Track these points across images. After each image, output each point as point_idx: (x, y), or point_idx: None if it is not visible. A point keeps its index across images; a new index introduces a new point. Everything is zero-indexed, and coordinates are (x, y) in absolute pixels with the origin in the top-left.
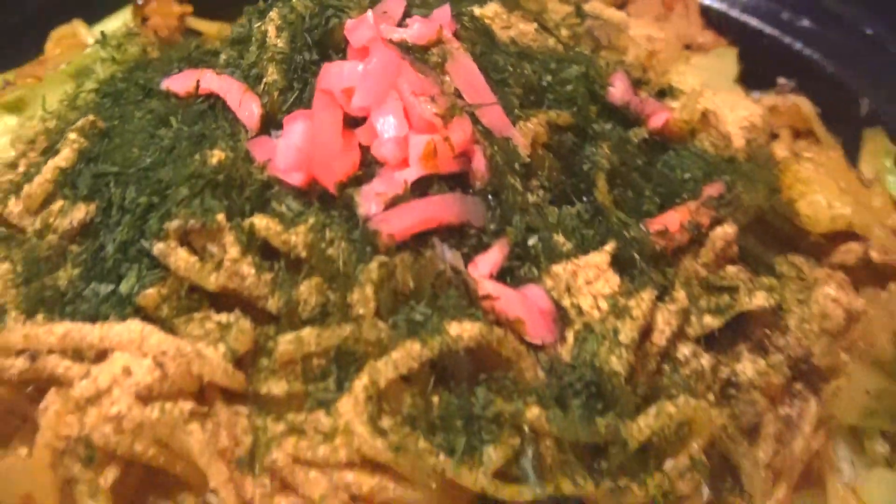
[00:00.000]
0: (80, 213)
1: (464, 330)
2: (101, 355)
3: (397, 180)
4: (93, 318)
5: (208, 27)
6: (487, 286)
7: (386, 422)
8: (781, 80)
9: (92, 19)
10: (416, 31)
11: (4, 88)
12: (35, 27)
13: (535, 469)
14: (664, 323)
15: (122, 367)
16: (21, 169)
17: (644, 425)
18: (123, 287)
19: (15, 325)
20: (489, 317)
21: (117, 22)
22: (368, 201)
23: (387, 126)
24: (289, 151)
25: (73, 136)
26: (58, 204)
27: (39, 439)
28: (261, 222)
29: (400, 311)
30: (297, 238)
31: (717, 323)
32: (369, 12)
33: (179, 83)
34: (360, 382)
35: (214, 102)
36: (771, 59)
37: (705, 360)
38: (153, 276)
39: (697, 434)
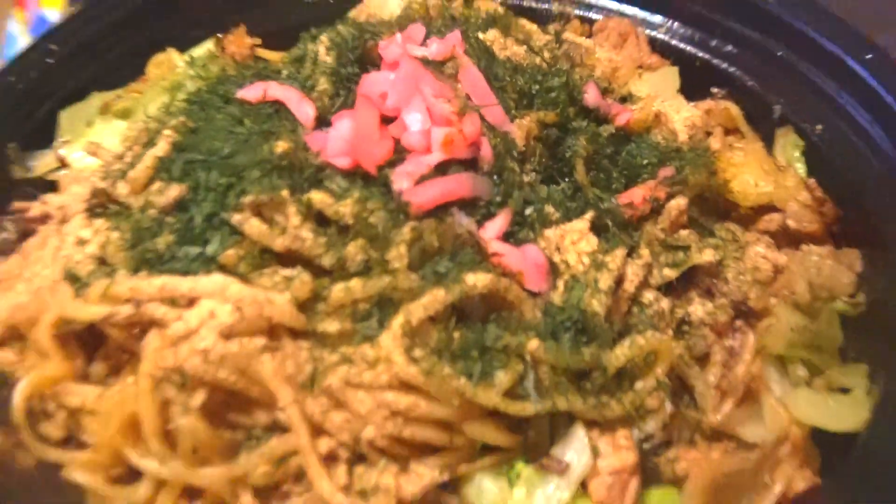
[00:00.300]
0: (175, 191)
1: (478, 280)
2: (191, 302)
3: (423, 163)
4: (185, 274)
5: (272, 55)
6: (495, 245)
7: (417, 352)
8: (714, 90)
9: (183, 48)
10: (435, 49)
11: (116, 100)
12: (140, 55)
13: (535, 389)
14: (633, 274)
15: (209, 311)
16: (127, 159)
17: (620, 354)
18: (209, 249)
19: (123, 279)
20: (497, 270)
21: (202, 50)
22: (401, 179)
23: (413, 121)
24: (337, 142)
25: (167, 132)
26: (156, 185)
27: (142, 369)
28: (316, 197)
29: (427, 265)
30: (345, 209)
31: (674, 274)
32: (398, 34)
33: (251, 93)
34: (397, 321)
35: (279, 107)
36: (704, 76)
37: (665, 304)
38: (232, 240)
39: (661, 361)
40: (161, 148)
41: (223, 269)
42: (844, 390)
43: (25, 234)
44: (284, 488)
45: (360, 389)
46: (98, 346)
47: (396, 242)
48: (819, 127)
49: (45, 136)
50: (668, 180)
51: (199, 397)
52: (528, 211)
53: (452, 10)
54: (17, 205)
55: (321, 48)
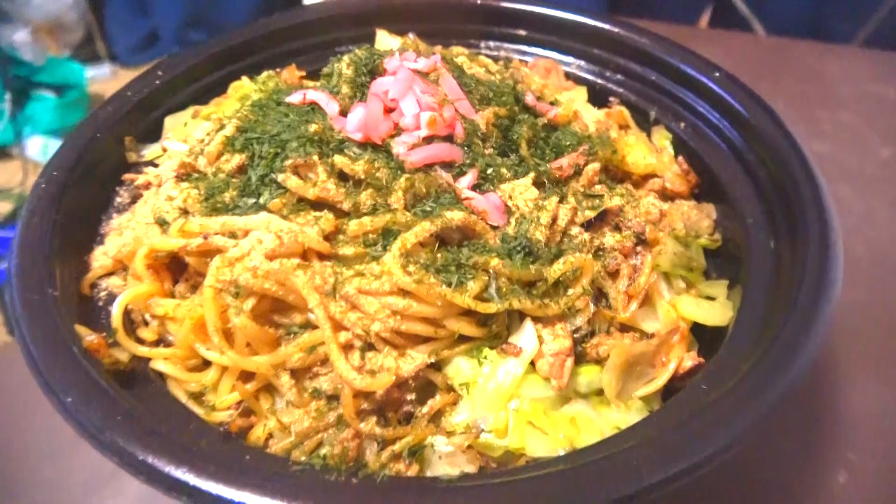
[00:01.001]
0: (237, 160)
1: (454, 215)
2: (246, 234)
3: (414, 136)
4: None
5: (310, 84)
6: (467, 193)
7: (411, 268)
8: (612, 100)
9: (253, 77)
10: (422, 64)
11: (203, 109)
12: (223, 82)
13: (497, 294)
14: (563, 214)
15: (257, 239)
16: (205, 142)
17: (556, 269)
18: (262, 199)
19: (195, 219)
20: (468, 210)
21: (263, 76)
22: (399, 146)
23: (408, 108)
24: (354, 122)
25: (234, 120)
26: (224, 157)
27: (206, 283)
28: (338, 159)
29: (418, 206)
30: (359, 167)
31: (593, 214)
32: (396, 54)
33: (295, 97)
34: (396, 245)
35: (314, 106)
36: (602, 95)
37: (586, 235)
38: (278, 192)
39: (585, 274)
40: (229, 130)
41: (271, 213)
42: (710, 299)
43: (135, 197)
44: (314, 370)
45: (370, 295)
46: (182, 273)
47: (395, 189)
48: (682, 124)
49: (155, 135)
50: (586, 152)
51: (249, 303)
52: (490, 171)
53: (433, 50)
54: (127, 176)
55: (343, 65)
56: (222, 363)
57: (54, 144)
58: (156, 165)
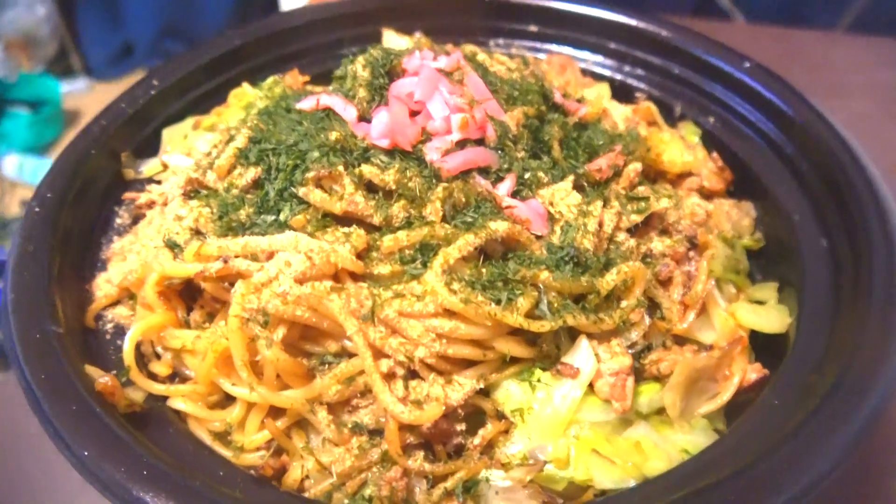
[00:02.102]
0: (252, 173)
1: (499, 226)
2: (269, 256)
3: (447, 140)
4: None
5: (317, 89)
6: (508, 200)
7: (455, 286)
8: (638, 95)
9: (254, 84)
10: (446, 62)
11: (204, 118)
12: (222, 89)
13: (549, 310)
14: (608, 219)
15: (285, 261)
16: (213, 156)
17: (609, 279)
18: (281, 216)
19: (212, 241)
20: (510, 219)
21: (268, 83)
22: (432, 152)
23: (437, 110)
24: (379, 128)
25: (244, 130)
26: (237, 171)
27: (231, 312)
28: (366, 169)
29: (457, 217)
30: (389, 177)
31: (639, 218)
32: (417, 53)
33: (307, 103)
34: (437, 261)
35: (328, 112)
36: (620, 90)
37: (632, 241)
38: (299, 208)
39: (638, 284)
40: (240, 141)
41: (294, 231)
42: (759, 303)
43: (136, 218)
44: (353, 402)
45: (412, 318)
46: (195, 299)
47: (432, 200)
48: (711, 118)
49: (152, 149)
50: (624, 150)
51: (279, 332)
52: (527, 175)
53: (446, 49)
54: (128, 195)
55: (358, 66)
56: (250, 400)
57: (30, 162)
58: (157, 182)
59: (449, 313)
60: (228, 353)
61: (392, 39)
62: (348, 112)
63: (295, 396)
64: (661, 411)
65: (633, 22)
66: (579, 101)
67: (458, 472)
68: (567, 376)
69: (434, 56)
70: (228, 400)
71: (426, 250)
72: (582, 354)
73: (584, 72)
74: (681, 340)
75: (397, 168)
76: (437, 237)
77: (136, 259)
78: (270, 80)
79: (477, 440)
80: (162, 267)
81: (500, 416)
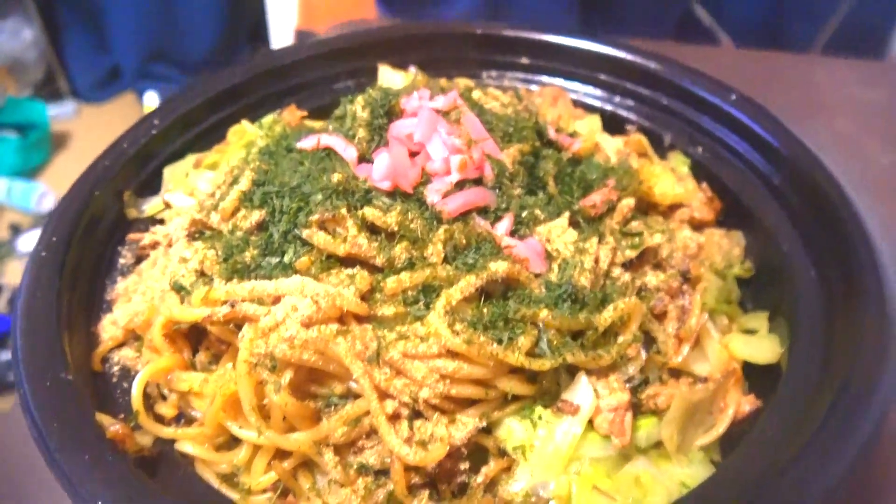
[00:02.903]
0: (257, 216)
1: (499, 266)
2: (276, 300)
3: (446, 182)
4: (268, 279)
5: (315, 123)
6: (507, 240)
7: (458, 326)
8: (628, 127)
9: (253, 121)
10: (443, 102)
11: (205, 157)
12: (221, 127)
13: (549, 348)
14: (604, 255)
15: (292, 306)
16: (217, 196)
17: (606, 316)
18: (286, 258)
19: (219, 285)
20: (510, 258)
21: (267, 120)
22: (432, 194)
23: (436, 152)
24: (380, 170)
25: (248, 172)
26: (241, 213)
27: (239, 357)
28: (368, 211)
29: (458, 258)
30: (391, 219)
31: (634, 254)
32: (415, 93)
33: (307, 143)
34: (440, 303)
35: (329, 152)
36: (611, 121)
37: (627, 276)
38: (303, 250)
39: (634, 319)
40: (244, 184)
41: (298, 272)
42: (750, 332)
43: (140, 258)
44: (359, 444)
45: (416, 359)
46: (200, 340)
47: (433, 241)
48: (700, 148)
49: (153, 187)
50: (616, 185)
51: (287, 376)
52: (524, 214)
53: (441, 84)
54: (132, 236)
55: (357, 107)
56: (258, 443)
57: (19, 186)
58: (161, 222)
59: (452, 354)
60: (236, 396)
61: (387, 74)
62: (349, 152)
63: (302, 439)
64: (658, 445)
65: (621, 54)
66: (572, 135)
67: None
68: (567, 413)
69: (431, 95)
70: (235, 441)
71: (428, 292)
72: (581, 391)
73: (576, 103)
74: (676, 373)
75: (399, 210)
76: (439, 278)
77: (140, 300)
78: (269, 118)
79: (480, 478)
80: (170, 311)
81: (503, 453)
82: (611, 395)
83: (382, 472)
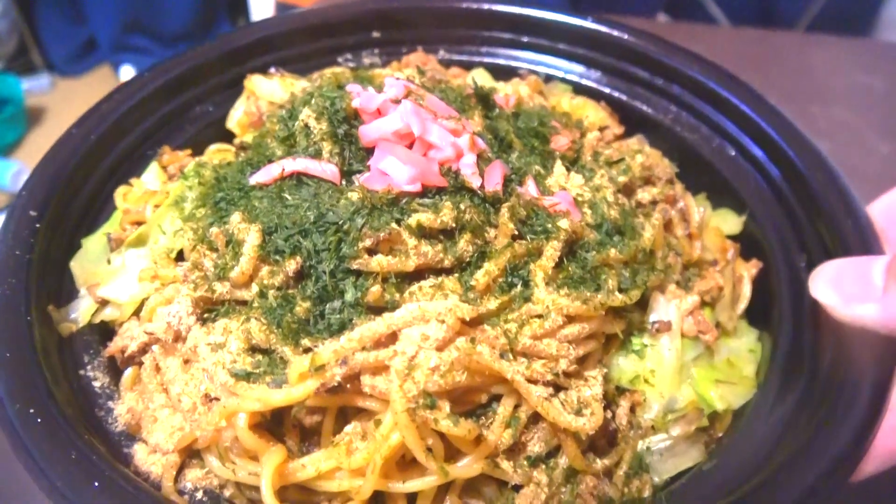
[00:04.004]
0: (293, 266)
1: (568, 224)
2: (391, 338)
3: (471, 162)
4: (342, 325)
5: (216, 153)
6: (549, 200)
7: (564, 290)
8: (521, 71)
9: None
10: (394, 93)
11: (122, 234)
12: (97, 202)
13: (629, 281)
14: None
15: (421, 335)
16: (208, 266)
17: (647, 237)
18: (348, 297)
19: (326, 348)
20: (565, 215)
21: (151, 173)
22: (471, 178)
23: (441, 139)
24: (404, 175)
25: (253, 226)
26: (266, 269)
27: (395, 407)
28: (422, 217)
29: (523, 229)
30: (446, 217)
31: (625, 179)
32: (370, 89)
33: (265, 175)
34: (538, 277)
35: (298, 178)
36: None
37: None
38: (361, 282)
39: (660, 233)
40: (255, 238)
41: (371, 307)
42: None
43: (116, 373)
44: (523, 438)
45: (545, 337)
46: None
47: (501, 223)
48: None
49: (66, 291)
50: (566, 125)
51: (446, 406)
52: (535, 170)
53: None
54: (111, 349)
55: (310, 121)
56: (442, 482)
57: None
58: (106, 327)
59: (570, 317)
60: (393, 454)
61: (262, 84)
62: (328, 170)
63: (477, 463)
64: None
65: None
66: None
67: (623, 455)
68: (664, 331)
69: (377, 90)
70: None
71: (516, 269)
72: (662, 308)
73: (573, 86)
74: (685, 267)
75: (449, 206)
76: (519, 255)
77: (172, 415)
78: (191, 165)
79: (624, 421)
80: (266, 399)
81: (621, 391)
82: (681, 302)
83: (544, 458)
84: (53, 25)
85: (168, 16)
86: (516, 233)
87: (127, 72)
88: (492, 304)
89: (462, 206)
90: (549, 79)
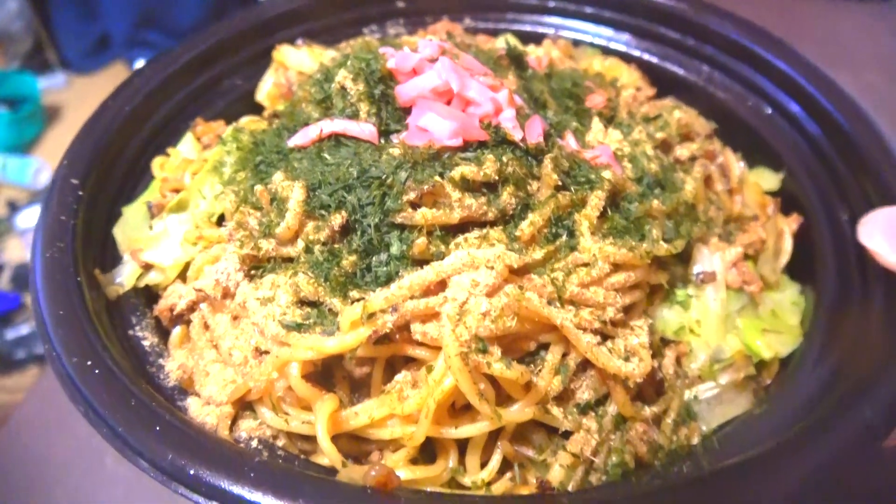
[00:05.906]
0: (338, 220)
1: (610, 175)
2: (439, 286)
3: (511, 117)
4: (389, 277)
5: (248, 124)
6: (590, 153)
7: (610, 239)
8: (549, 34)
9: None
10: (428, 52)
11: (163, 201)
12: (133, 173)
13: (673, 232)
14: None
15: (471, 281)
16: (252, 224)
17: (689, 189)
18: (394, 250)
19: (376, 296)
20: (607, 167)
21: (187, 143)
22: (513, 131)
23: (480, 95)
24: (445, 130)
25: (297, 183)
26: (311, 225)
27: (447, 352)
28: (465, 170)
29: (569, 181)
30: (489, 170)
31: (663, 135)
32: (405, 49)
33: (304, 137)
34: (584, 226)
35: (336, 139)
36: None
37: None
38: (407, 235)
39: (700, 186)
40: (300, 193)
41: (416, 260)
42: None
43: (163, 334)
44: (572, 386)
45: (592, 285)
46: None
47: (544, 175)
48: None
49: (110, 257)
50: (600, 85)
51: (497, 351)
52: (573, 126)
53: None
54: (160, 308)
55: (347, 82)
56: (494, 427)
57: (14, 161)
58: (149, 291)
59: (616, 266)
60: (446, 399)
61: (292, 54)
62: (366, 130)
63: (528, 409)
64: None
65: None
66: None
67: (671, 403)
68: (709, 282)
69: (412, 49)
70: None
71: (560, 219)
72: (706, 259)
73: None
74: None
75: (491, 159)
76: (563, 206)
77: (224, 370)
78: (230, 131)
79: (671, 370)
80: (320, 347)
81: (666, 342)
82: (724, 252)
83: (593, 405)
84: (67, 23)
85: (181, 10)
86: (560, 184)
87: None
88: (538, 253)
89: (504, 159)
90: (577, 43)
